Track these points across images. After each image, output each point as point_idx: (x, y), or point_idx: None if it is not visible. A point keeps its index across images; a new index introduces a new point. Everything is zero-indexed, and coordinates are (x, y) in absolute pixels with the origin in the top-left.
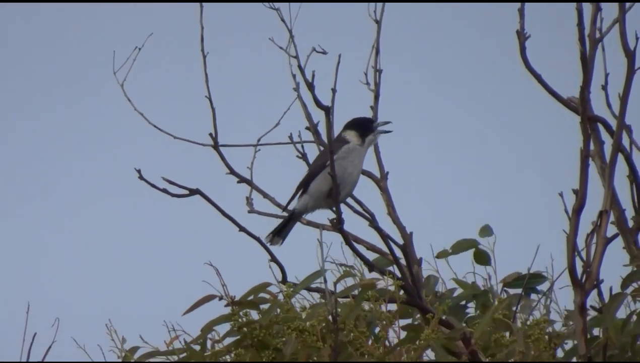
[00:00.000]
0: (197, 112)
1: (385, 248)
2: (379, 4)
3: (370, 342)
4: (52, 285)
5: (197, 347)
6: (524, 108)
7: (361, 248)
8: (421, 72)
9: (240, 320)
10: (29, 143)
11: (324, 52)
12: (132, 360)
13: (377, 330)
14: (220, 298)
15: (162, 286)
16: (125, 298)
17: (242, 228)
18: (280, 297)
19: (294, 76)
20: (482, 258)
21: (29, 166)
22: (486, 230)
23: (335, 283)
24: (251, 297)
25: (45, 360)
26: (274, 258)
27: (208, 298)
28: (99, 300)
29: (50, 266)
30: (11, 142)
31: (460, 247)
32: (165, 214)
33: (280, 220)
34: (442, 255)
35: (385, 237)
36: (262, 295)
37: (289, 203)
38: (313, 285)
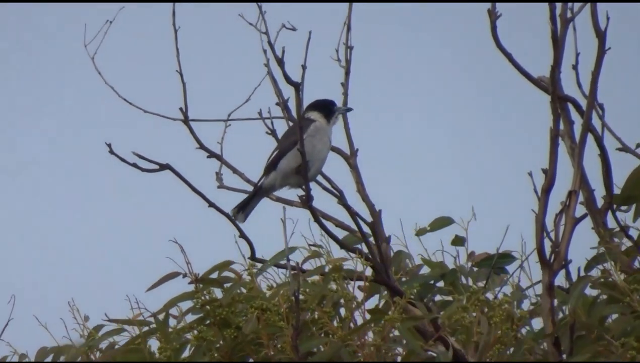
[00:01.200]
0: (168, 86)
1: (354, 226)
2: None
3: (335, 323)
4: (12, 261)
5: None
6: (494, 87)
7: (330, 226)
8: (391, 48)
9: (203, 297)
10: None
11: (294, 29)
12: (96, 337)
13: (342, 311)
14: (184, 275)
15: (127, 263)
16: (88, 275)
17: (211, 204)
18: (245, 275)
19: (264, 52)
20: (458, 240)
21: None
22: (445, 220)
23: (301, 263)
24: (215, 275)
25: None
26: (242, 235)
27: (172, 276)
28: (61, 277)
29: (11, 241)
30: None
31: (438, 224)
32: (135, 190)
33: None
34: (421, 232)
35: (353, 214)
36: (226, 273)
37: (259, 181)
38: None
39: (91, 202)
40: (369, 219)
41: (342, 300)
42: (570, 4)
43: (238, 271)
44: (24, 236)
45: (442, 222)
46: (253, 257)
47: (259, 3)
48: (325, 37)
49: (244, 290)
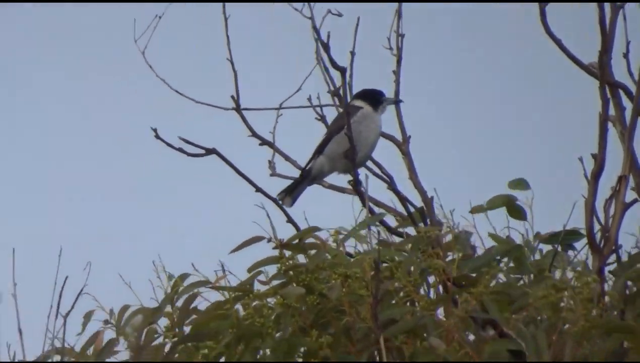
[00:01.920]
0: (219, 77)
1: (405, 213)
2: None
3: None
4: (85, 230)
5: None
6: (545, 73)
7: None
8: (443, 36)
9: (287, 263)
10: (49, 110)
11: (339, 14)
12: (181, 287)
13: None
14: (269, 240)
15: (205, 230)
16: (167, 243)
17: (258, 189)
18: (330, 242)
19: (315, 40)
20: (517, 212)
21: (52, 132)
22: (520, 183)
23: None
24: (298, 241)
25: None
26: (290, 220)
27: (256, 239)
28: (143, 242)
29: (80, 214)
30: (32, 107)
31: (496, 202)
32: (183, 176)
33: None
34: (477, 210)
35: (403, 200)
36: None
37: (307, 165)
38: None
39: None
40: (420, 206)
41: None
42: None
43: (321, 238)
44: (102, 207)
45: (500, 201)
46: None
47: None
48: (376, 26)
49: (328, 257)
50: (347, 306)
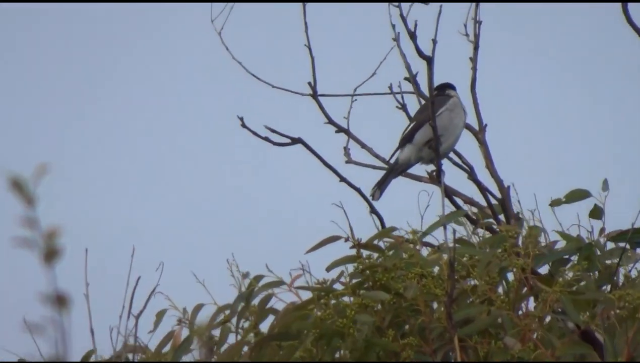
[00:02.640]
0: (296, 61)
1: (483, 202)
2: None
3: (500, 290)
4: (158, 230)
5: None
6: (628, 66)
7: (460, 203)
8: (522, 25)
9: (365, 262)
10: (131, 92)
11: (426, 2)
12: (256, 288)
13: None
14: (347, 239)
15: (279, 229)
16: (241, 239)
17: (342, 179)
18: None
19: (393, 26)
20: (595, 212)
21: (127, 121)
22: (605, 185)
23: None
24: (377, 241)
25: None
26: (373, 210)
27: (333, 239)
28: (217, 239)
29: (154, 213)
30: (114, 93)
31: (574, 196)
32: (264, 164)
33: (377, 171)
34: (556, 203)
35: (483, 190)
36: (382, 244)
37: (392, 155)
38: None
39: (221, 174)
40: (498, 196)
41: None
42: None
43: (400, 237)
44: (176, 204)
45: (578, 194)
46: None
47: None
48: (453, 10)
49: (404, 256)
50: (422, 305)
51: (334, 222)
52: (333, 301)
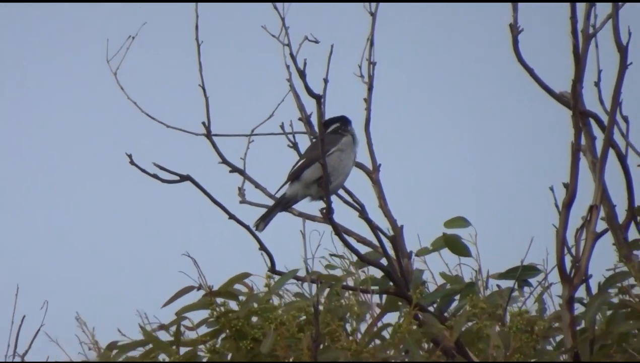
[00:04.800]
0: (191, 101)
1: (375, 241)
2: None
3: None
4: (42, 267)
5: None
6: (516, 102)
7: (351, 241)
8: (414, 64)
9: (218, 309)
10: (21, 127)
11: (316, 41)
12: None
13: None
14: (199, 288)
15: (139, 276)
16: (98, 288)
17: (231, 216)
18: (260, 287)
19: (287, 67)
20: (461, 249)
21: (20, 152)
22: (460, 221)
23: (316, 281)
24: (230, 288)
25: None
26: (263, 247)
27: (187, 290)
28: (69, 289)
29: (38, 248)
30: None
31: (439, 243)
32: (155, 202)
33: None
34: (422, 252)
35: (374, 228)
36: (240, 286)
37: (278, 190)
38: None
39: (107, 213)
40: (391, 234)
41: (349, 314)
42: (592, 21)
43: (251, 285)
44: (36, 243)
45: (444, 241)
46: (273, 270)
47: (282, 16)
48: (348, 52)
49: (255, 305)
50: (281, 351)
51: (183, 272)
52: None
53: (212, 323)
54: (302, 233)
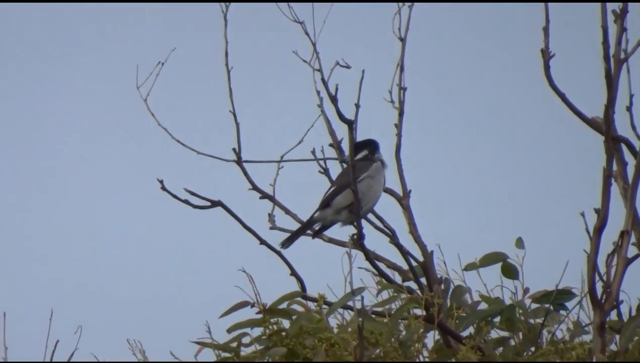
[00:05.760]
0: (221, 127)
1: (405, 267)
2: (404, 22)
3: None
4: (77, 292)
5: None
6: (547, 127)
7: (382, 266)
8: (446, 90)
9: (270, 327)
10: (54, 153)
11: (348, 66)
12: None
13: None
14: (252, 305)
15: (186, 296)
16: (143, 311)
17: (262, 241)
18: (314, 307)
19: (318, 92)
20: (510, 272)
21: (54, 178)
22: (520, 242)
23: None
24: (283, 306)
25: None
26: (293, 272)
27: (242, 304)
28: (122, 311)
29: (74, 275)
30: (36, 154)
31: (488, 259)
32: (186, 228)
33: (301, 238)
34: (470, 267)
35: (405, 254)
36: (293, 306)
37: (311, 216)
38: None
39: (145, 237)
40: (421, 259)
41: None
42: (623, 45)
43: (305, 303)
44: (89, 270)
45: (494, 258)
46: (304, 295)
47: (313, 41)
48: (377, 77)
49: (305, 322)
50: None
51: (238, 287)
52: None
53: (264, 341)
54: (348, 254)
